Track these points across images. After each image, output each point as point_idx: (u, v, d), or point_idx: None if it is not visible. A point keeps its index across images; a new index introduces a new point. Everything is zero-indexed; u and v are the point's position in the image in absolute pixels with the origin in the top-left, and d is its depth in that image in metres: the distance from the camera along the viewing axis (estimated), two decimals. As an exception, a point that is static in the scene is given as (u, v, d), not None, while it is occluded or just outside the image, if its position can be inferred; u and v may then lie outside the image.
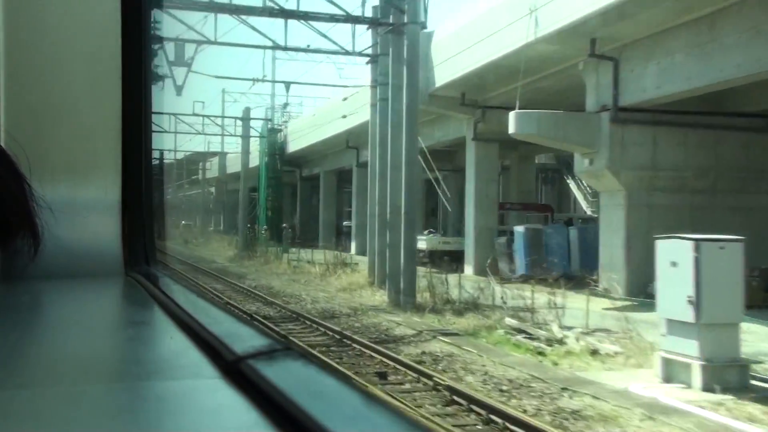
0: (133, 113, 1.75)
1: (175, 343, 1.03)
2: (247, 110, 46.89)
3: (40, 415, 0.72)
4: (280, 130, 49.21)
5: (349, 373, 12.02)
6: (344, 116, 34.19)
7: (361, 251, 34.75)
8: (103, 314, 1.46)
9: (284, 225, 45.09)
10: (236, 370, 0.79)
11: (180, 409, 0.77)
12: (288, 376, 0.74)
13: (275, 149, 48.13)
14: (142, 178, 1.80)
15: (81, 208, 1.66)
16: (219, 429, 0.68)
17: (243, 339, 0.91)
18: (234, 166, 57.97)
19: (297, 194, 56.03)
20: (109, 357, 1.04)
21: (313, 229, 50.79)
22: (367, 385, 11.01)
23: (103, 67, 1.71)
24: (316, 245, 41.36)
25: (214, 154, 64.28)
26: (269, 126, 48.08)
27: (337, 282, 26.70)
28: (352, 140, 39.49)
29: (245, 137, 47.07)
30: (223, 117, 49.19)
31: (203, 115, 45.96)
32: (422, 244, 29.93)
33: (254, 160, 50.17)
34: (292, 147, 48.16)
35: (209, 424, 0.69)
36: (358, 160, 40.43)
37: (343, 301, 22.11)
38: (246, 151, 47.39)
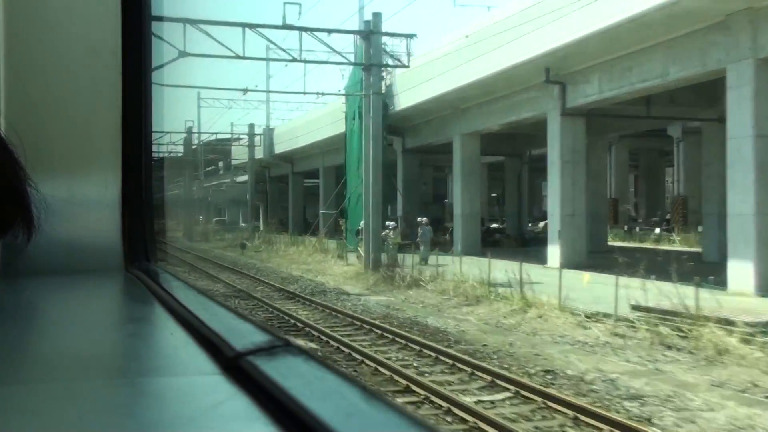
0: (133, 108, 1.75)
1: (175, 339, 1.03)
2: (379, 16, 24.95)
3: (40, 411, 0.72)
4: (381, 79, 27.45)
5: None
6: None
7: (574, 263, 20.50)
8: (103, 310, 1.46)
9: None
10: (236, 366, 0.79)
11: (180, 405, 0.77)
12: (288, 372, 0.73)
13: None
14: (142, 173, 1.79)
15: (81, 203, 1.66)
16: (219, 425, 0.68)
17: (243, 335, 0.91)
18: (282, 144, 46.32)
19: (397, 174, 35.20)
20: (108, 353, 1.04)
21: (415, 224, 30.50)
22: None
23: (103, 61, 1.70)
24: (439, 248, 25.47)
25: (241, 137, 52.06)
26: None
27: None
28: (560, 66, 21.81)
29: (375, 66, 24.72)
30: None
31: (302, 29, 22.78)
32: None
33: (327, 129, 35.74)
34: (397, 105, 30.45)
35: (209, 420, 0.69)
36: (564, 103, 22.78)
37: None
38: (377, 92, 25.02)
